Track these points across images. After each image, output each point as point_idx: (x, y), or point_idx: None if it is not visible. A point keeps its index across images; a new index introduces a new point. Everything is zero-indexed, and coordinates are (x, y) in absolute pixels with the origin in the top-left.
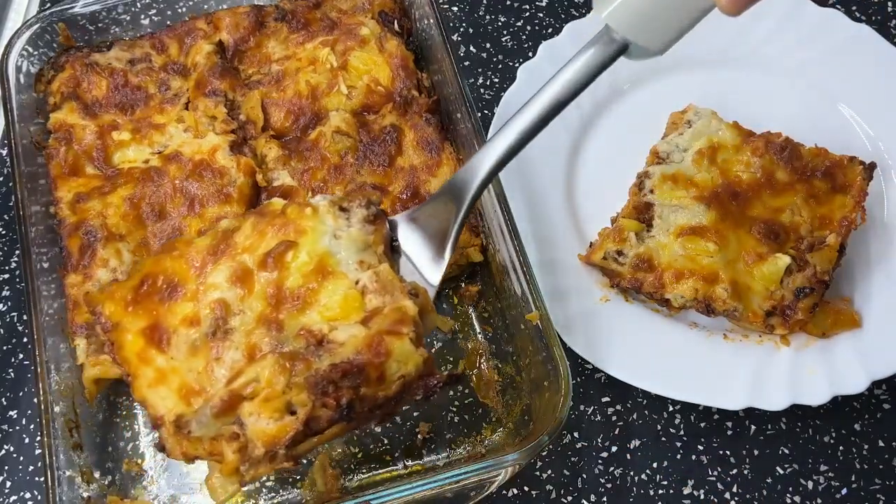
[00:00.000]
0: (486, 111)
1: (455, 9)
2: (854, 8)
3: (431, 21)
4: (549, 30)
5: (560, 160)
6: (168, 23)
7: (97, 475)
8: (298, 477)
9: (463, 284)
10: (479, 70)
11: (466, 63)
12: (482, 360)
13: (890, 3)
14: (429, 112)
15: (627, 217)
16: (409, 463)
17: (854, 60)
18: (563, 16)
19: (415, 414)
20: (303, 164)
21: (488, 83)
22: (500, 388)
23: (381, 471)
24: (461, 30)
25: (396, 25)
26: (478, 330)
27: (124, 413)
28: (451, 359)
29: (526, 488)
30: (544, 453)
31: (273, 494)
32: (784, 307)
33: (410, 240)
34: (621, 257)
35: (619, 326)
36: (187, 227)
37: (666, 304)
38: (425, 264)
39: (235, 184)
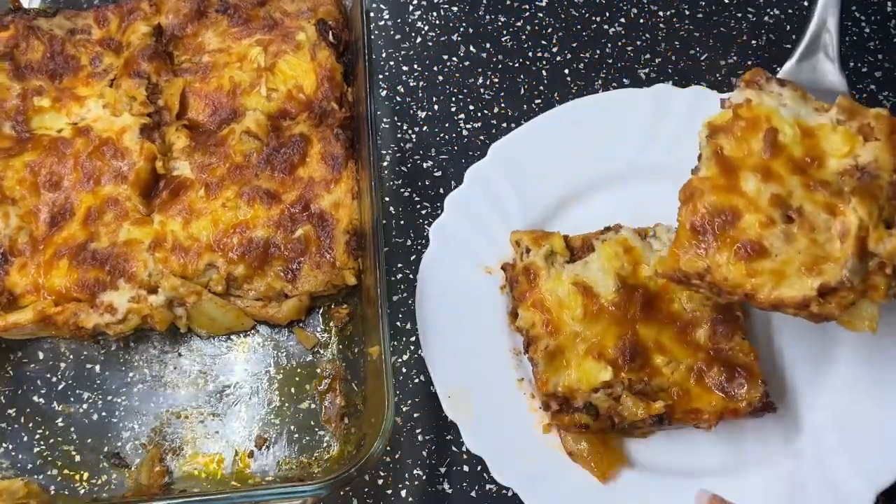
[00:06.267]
0: (485, 111)
1: (455, 9)
2: (854, 8)
3: (360, 36)
4: (549, 30)
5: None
6: None
7: None
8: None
9: (333, 305)
10: (479, 70)
11: (466, 63)
12: (336, 383)
13: (889, 3)
14: (340, 127)
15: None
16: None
17: None
18: (562, 16)
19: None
20: (206, 158)
21: (488, 83)
22: (344, 413)
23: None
24: (461, 30)
25: (332, 36)
26: (337, 352)
27: None
28: (305, 373)
29: None
30: None
31: None
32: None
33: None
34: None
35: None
36: (79, 202)
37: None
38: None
39: (134, 167)
